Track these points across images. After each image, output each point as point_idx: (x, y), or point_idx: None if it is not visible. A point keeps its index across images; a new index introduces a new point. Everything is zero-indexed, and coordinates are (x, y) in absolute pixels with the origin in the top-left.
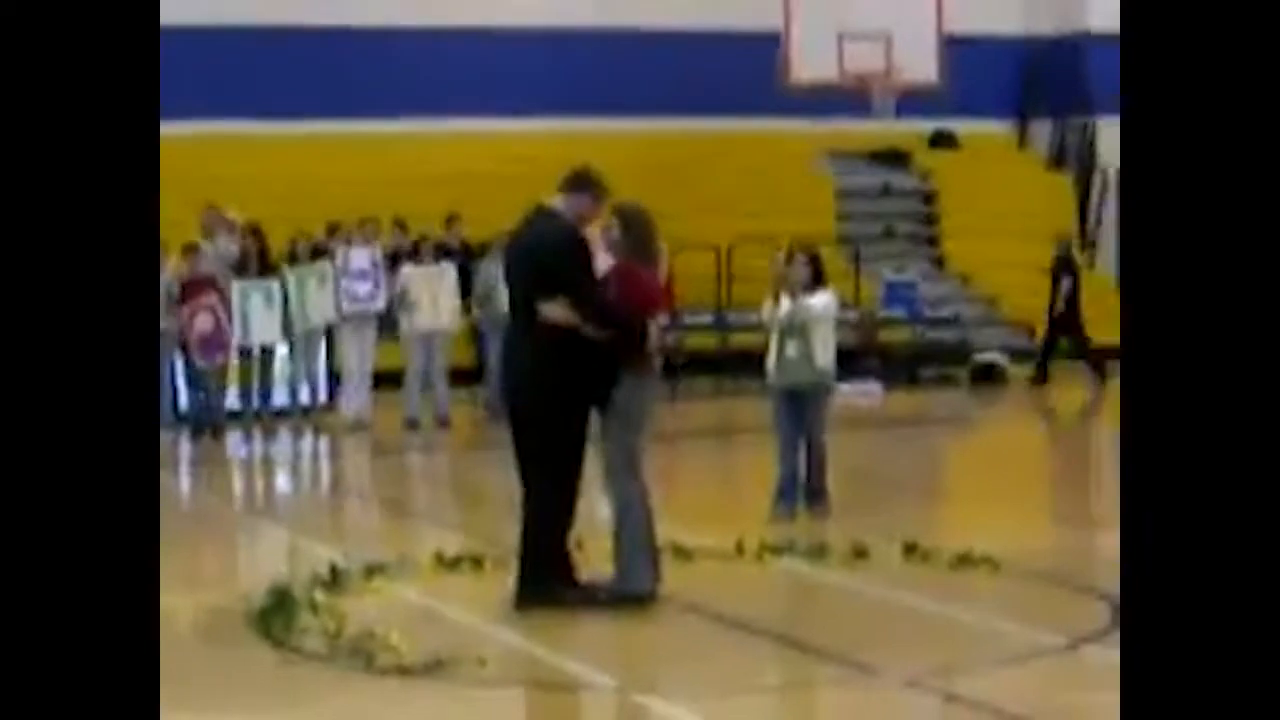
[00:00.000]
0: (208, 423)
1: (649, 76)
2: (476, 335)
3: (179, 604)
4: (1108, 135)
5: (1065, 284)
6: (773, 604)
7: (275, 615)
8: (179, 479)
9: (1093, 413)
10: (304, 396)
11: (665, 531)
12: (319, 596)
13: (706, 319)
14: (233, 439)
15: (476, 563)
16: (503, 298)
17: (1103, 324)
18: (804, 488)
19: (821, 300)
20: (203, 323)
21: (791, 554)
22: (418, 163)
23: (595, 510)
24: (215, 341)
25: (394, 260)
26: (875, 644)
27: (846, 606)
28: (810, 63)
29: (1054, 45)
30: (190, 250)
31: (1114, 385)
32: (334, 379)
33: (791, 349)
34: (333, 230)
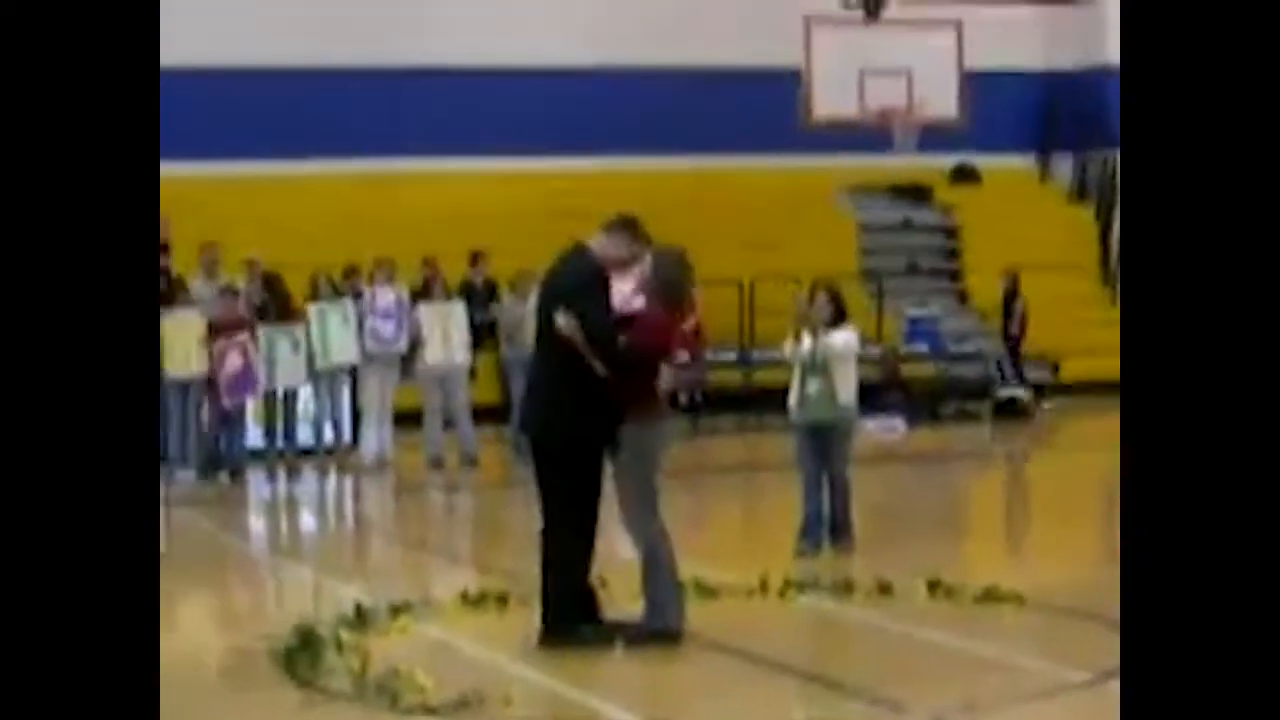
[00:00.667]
0: (227, 463)
1: (673, 114)
2: (502, 372)
3: (204, 644)
4: None
5: (1017, 309)
6: (797, 641)
7: (301, 655)
8: (201, 520)
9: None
10: (328, 436)
11: (689, 568)
12: (344, 636)
13: (730, 355)
14: (256, 478)
15: (501, 601)
16: (529, 334)
17: None
18: (828, 523)
19: (843, 337)
20: (233, 361)
21: (816, 590)
22: (445, 201)
23: (615, 548)
24: (244, 380)
25: (415, 299)
26: (901, 680)
27: (871, 643)
28: (832, 99)
29: (1074, 79)
30: (226, 292)
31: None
32: (356, 418)
33: (814, 386)
34: (350, 272)
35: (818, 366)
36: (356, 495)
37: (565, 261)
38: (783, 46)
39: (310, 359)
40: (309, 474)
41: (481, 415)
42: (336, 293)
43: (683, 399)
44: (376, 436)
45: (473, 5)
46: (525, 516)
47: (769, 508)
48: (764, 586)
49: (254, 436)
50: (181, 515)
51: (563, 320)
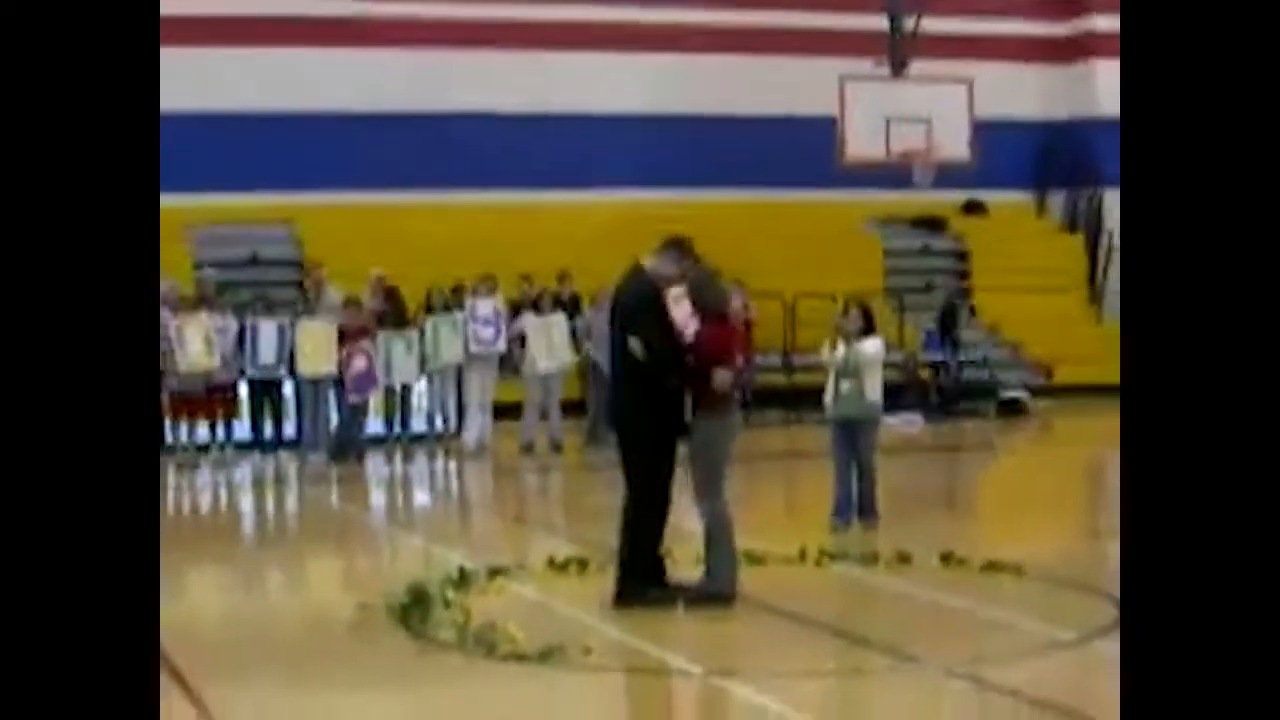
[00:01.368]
0: (352, 448)
1: (726, 155)
2: (584, 373)
3: (333, 601)
4: (1112, 203)
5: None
6: (830, 603)
7: (413, 610)
8: (330, 496)
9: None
10: (438, 425)
11: (740, 541)
12: (449, 594)
13: (775, 360)
14: (375, 461)
15: (582, 565)
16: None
17: (1108, 368)
18: (857, 503)
19: (872, 345)
20: (358, 363)
21: (846, 560)
22: (536, 227)
23: (682, 524)
24: (366, 379)
25: (515, 310)
26: (917, 637)
27: (893, 605)
28: (862, 143)
29: (1067, 128)
30: (351, 303)
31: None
32: (460, 410)
33: (846, 386)
34: (457, 288)
35: (850, 370)
36: (460, 475)
37: (626, 280)
38: (821, 98)
39: (423, 360)
40: (420, 457)
41: (565, 409)
42: (447, 306)
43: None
44: (477, 425)
45: (572, 60)
46: (602, 494)
47: (807, 490)
48: (803, 556)
49: (375, 425)
50: (313, 492)
51: (632, 344)
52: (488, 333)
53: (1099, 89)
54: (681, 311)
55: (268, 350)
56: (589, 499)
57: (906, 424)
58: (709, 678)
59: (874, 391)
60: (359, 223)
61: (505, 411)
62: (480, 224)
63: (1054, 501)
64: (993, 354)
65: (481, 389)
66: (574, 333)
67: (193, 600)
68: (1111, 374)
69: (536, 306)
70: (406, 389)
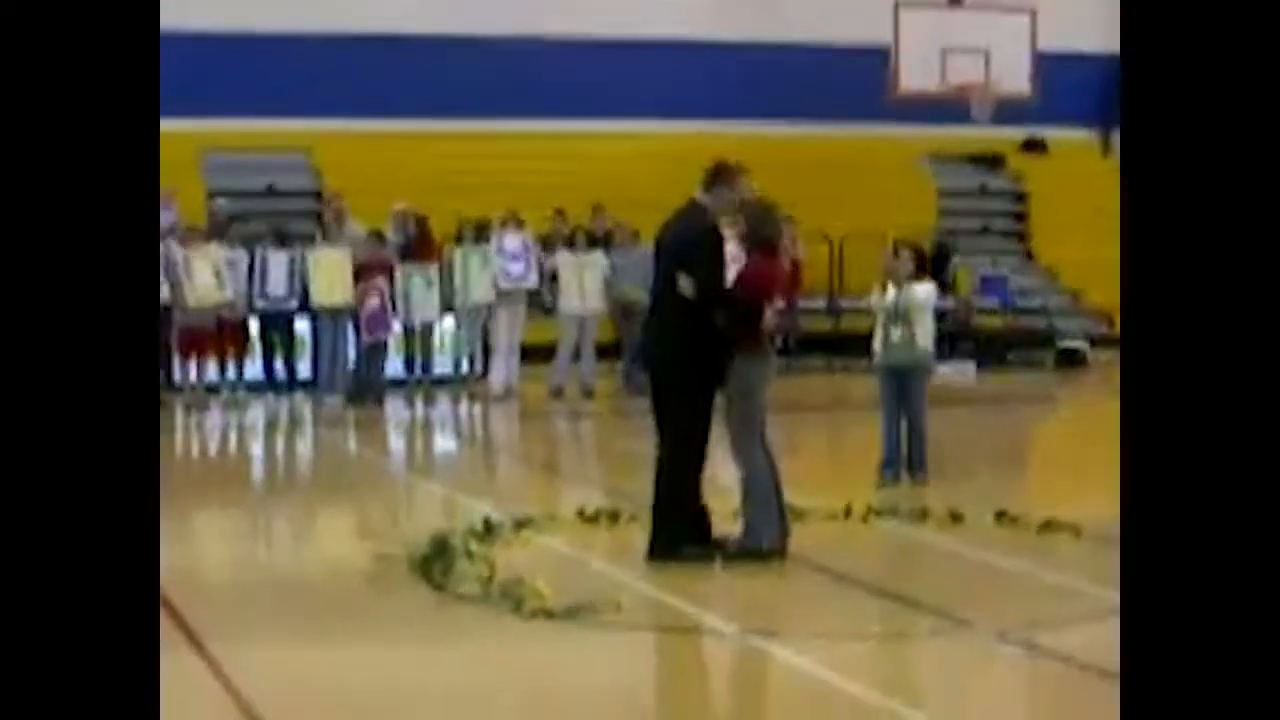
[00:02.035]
0: (370, 390)
1: (773, 85)
2: (616, 315)
3: (350, 551)
4: None
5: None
6: (877, 562)
7: (435, 562)
8: (348, 441)
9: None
10: (463, 367)
11: (786, 493)
12: (473, 546)
13: (821, 304)
14: (395, 404)
15: (613, 518)
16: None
17: None
18: (905, 458)
19: (924, 289)
20: (371, 302)
21: (894, 517)
22: (567, 159)
23: (718, 476)
24: (380, 320)
25: (547, 245)
26: (969, 600)
27: (943, 565)
28: (916, 75)
29: None
30: (373, 236)
31: None
32: (486, 352)
33: (896, 333)
34: (482, 224)
35: (900, 315)
36: (485, 420)
37: (680, 218)
38: (874, 27)
39: (447, 296)
40: (443, 401)
41: (598, 352)
42: (477, 239)
43: (777, 341)
44: (505, 368)
45: None
46: (635, 443)
47: (853, 442)
48: (848, 512)
49: (395, 366)
50: (329, 436)
51: (684, 282)
52: (516, 268)
53: None
54: (732, 249)
55: (278, 281)
56: (622, 446)
57: (959, 373)
58: (746, 637)
59: (925, 338)
60: (380, 152)
61: (535, 354)
62: (509, 155)
63: (1113, 458)
64: (1051, 301)
65: (510, 329)
66: (612, 271)
67: (200, 550)
68: None
69: (571, 243)
70: (428, 328)
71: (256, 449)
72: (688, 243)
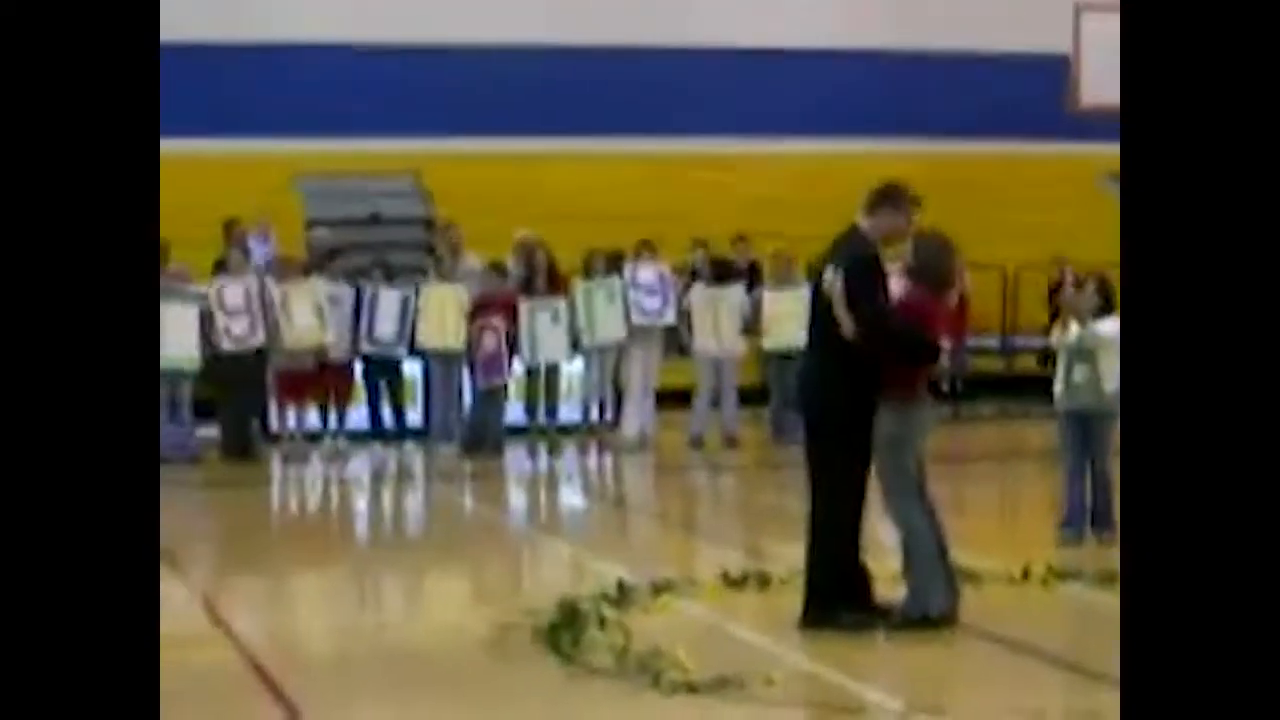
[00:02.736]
0: (487, 439)
1: (939, 97)
2: (765, 357)
3: (467, 618)
4: None
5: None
6: (1060, 630)
7: (563, 630)
8: (463, 495)
9: None
10: (592, 414)
11: (955, 552)
12: (606, 612)
13: (993, 342)
14: (516, 455)
15: (763, 581)
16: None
17: None
18: (1091, 513)
19: (1112, 326)
20: (488, 343)
21: (1079, 580)
22: (707, 183)
23: (879, 535)
24: (496, 363)
25: (689, 278)
26: None
27: None
28: (1100, 85)
29: None
30: (492, 269)
31: None
32: (618, 396)
33: (1079, 374)
34: (614, 255)
35: (1084, 355)
36: (617, 473)
37: (838, 243)
38: (1052, 32)
39: (575, 336)
40: (570, 451)
41: (743, 398)
42: (608, 271)
43: (944, 386)
44: (638, 414)
45: None
46: (785, 497)
47: (1031, 496)
48: (1026, 574)
49: (516, 413)
50: (441, 490)
51: (829, 275)
52: (653, 303)
53: None
54: (894, 281)
55: (386, 323)
56: (770, 502)
57: None
58: (912, 716)
59: (1113, 381)
60: (497, 174)
61: (672, 399)
62: (639, 179)
63: None
64: None
65: (644, 371)
66: (754, 309)
67: (299, 616)
68: None
69: (717, 276)
70: (554, 370)
71: (361, 504)
72: (847, 273)
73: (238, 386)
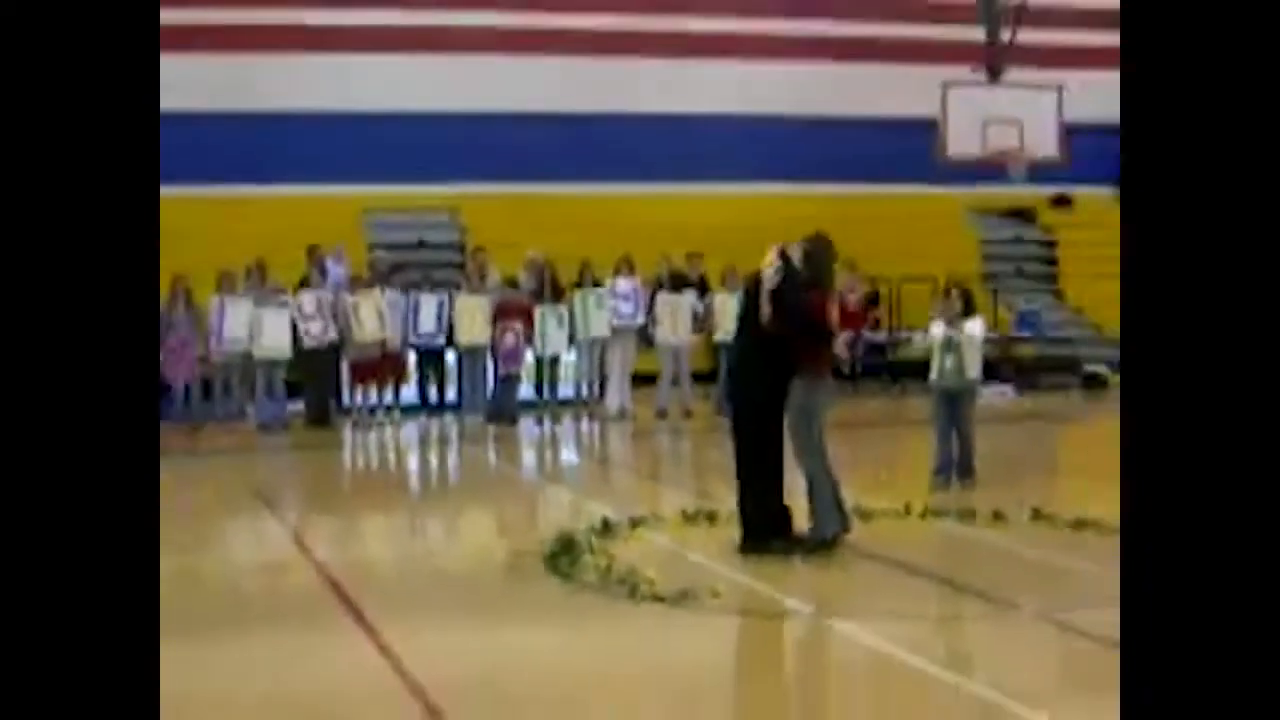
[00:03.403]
0: (505, 413)
1: (840, 152)
2: (714, 349)
3: (490, 547)
4: None
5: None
6: (933, 553)
7: (562, 555)
8: (488, 454)
9: None
10: (584, 392)
11: (850, 496)
12: (594, 542)
13: (882, 337)
14: (527, 423)
15: (711, 518)
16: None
17: None
18: (956, 466)
19: (975, 326)
20: (508, 340)
21: (946, 516)
22: (671, 216)
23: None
24: (513, 356)
25: (654, 288)
26: (1011, 586)
27: (989, 557)
28: (961, 142)
29: None
30: (509, 284)
31: None
32: (603, 379)
33: (948, 362)
34: (584, 267)
35: (952, 348)
36: (603, 437)
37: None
38: (924, 102)
39: (571, 333)
40: (568, 420)
41: (695, 379)
42: (595, 283)
43: (845, 369)
44: (618, 393)
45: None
46: (727, 455)
47: (911, 453)
48: (907, 511)
49: (528, 391)
50: (471, 450)
51: (773, 264)
52: (627, 308)
53: None
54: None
55: (428, 321)
56: (716, 458)
57: (1000, 395)
58: (822, 618)
59: (974, 368)
60: (514, 210)
61: (644, 381)
62: (617, 212)
63: None
64: (1077, 333)
65: (622, 360)
66: (705, 312)
67: (368, 546)
68: None
69: (674, 285)
70: (556, 359)
71: (411, 461)
72: (782, 281)
73: (317, 372)
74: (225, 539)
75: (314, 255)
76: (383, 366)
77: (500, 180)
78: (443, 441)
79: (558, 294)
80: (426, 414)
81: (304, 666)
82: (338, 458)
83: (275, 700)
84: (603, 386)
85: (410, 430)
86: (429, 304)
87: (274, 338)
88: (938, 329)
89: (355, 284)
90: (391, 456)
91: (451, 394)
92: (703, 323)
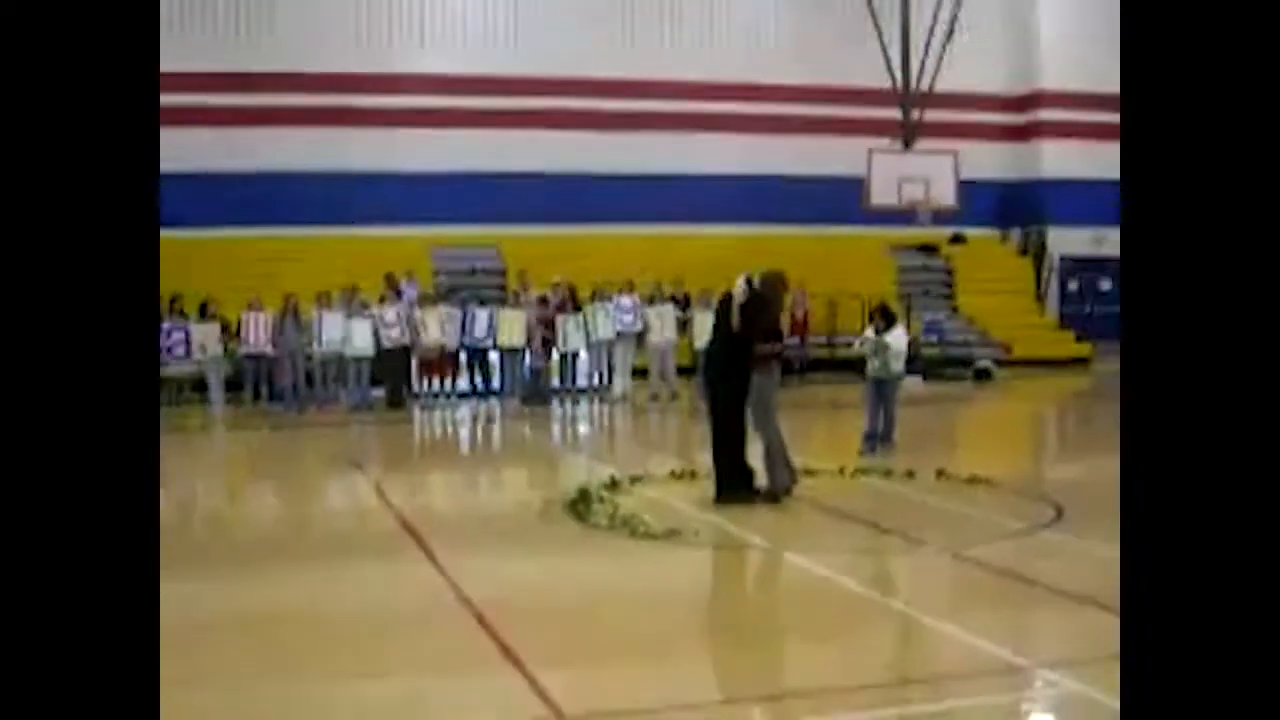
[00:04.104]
0: (537, 396)
1: (790, 202)
2: (692, 349)
3: (527, 497)
4: (1053, 237)
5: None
6: (861, 503)
7: (580, 504)
8: (524, 428)
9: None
10: (595, 381)
11: (797, 459)
12: (604, 494)
13: (823, 340)
14: (553, 405)
15: (692, 475)
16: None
17: (1051, 347)
18: (880, 436)
19: (898, 335)
20: (536, 341)
21: (871, 475)
22: (664, 250)
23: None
24: (542, 354)
25: (649, 303)
26: (921, 527)
27: (904, 505)
28: (881, 194)
29: (1020, 185)
30: (540, 300)
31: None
32: (609, 371)
33: (877, 360)
34: (599, 289)
35: (879, 349)
36: (609, 415)
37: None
38: (855, 164)
39: (586, 336)
40: (583, 403)
41: (680, 371)
42: (602, 298)
43: (795, 365)
44: (621, 382)
45: (692, 139)
46: (705, 429)
47: (843, 427)
48: (842, 471)
49: (553, 381)
50: (510, 426)
51: (741, 288)
52: (628, 318)
53: (1042, 159)
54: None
55: (480, 329)
56: (696, 431)
57: (912, 383)
58: (777, 551)
59: (897, 364)
60: (543, 246)
61: (641, 373)
62: (625, 247)
63: (1012, 437)
64: (970, 337)
65: (624, 357)
66: (686, 321)
67: (432, 495)
68: (1049, 351)
69: (672, 300)
70: (575, 355)
71: (465, 434)
72: (748, 300)
73: (393, 367)
74: (326, 491)
75: (391, 279)
76: (443, 363)
77: (533, 223)
78: (488, 419)
79: (576, 307)
80: (476, 398)
81: (383, 585)
82: (409, 431)
83: (360, 612)
84: (610, 377)
85: (464, 410)
86: (480, 315)
87: (361, 341)
88: (870, 334)
89: (423, 300)
90: (449, 430)
91: (494, 383)
92: (685, 330)
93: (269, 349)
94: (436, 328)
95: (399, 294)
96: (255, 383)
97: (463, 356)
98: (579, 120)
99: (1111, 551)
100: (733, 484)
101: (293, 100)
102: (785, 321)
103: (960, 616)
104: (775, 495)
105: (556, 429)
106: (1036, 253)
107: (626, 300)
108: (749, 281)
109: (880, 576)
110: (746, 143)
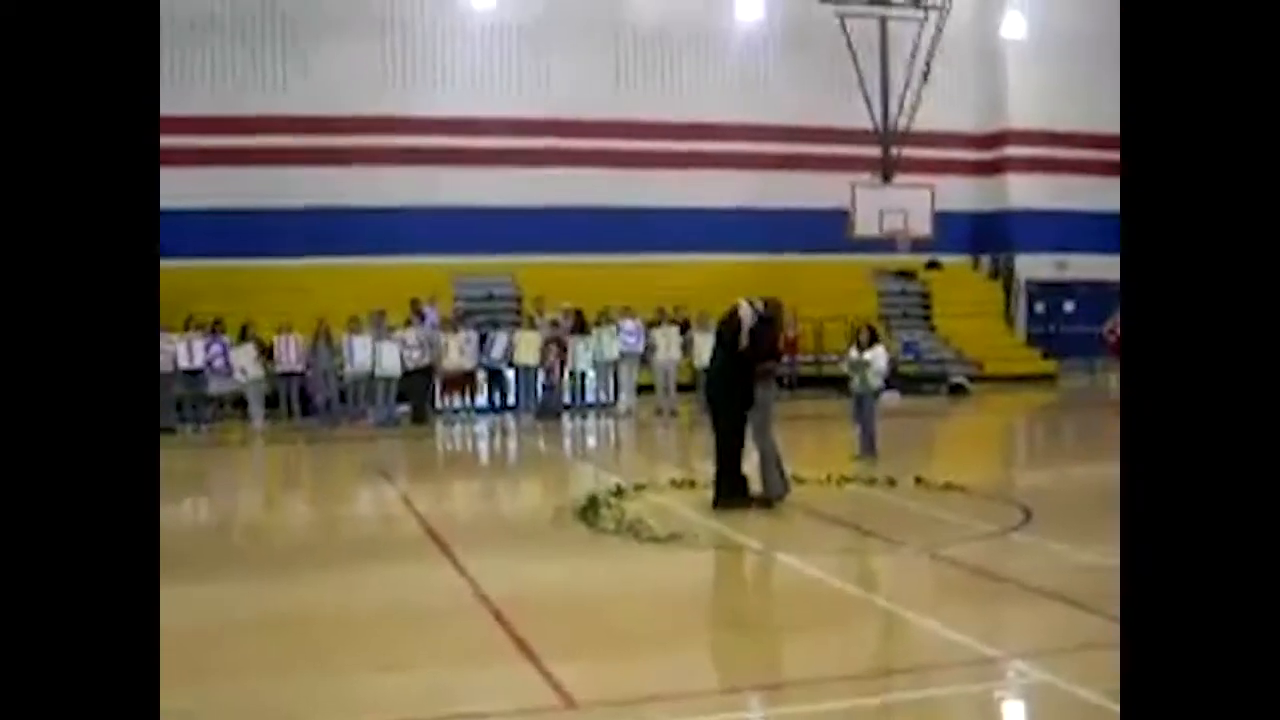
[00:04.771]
0: (549, 411)
1: (782, 233)
2: (692, 367)
3: (541, 503)
4: (1020, 262)
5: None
6: (846, 507)
7: (589, 510)
8: (537, 441)
9: (998, 409)
10: (602, 397)
11: (790, 468)
12: (611, 500)
13: (811, 358)
14: (565, 419)
15: (692, 484)
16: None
17: (1020, 364)
18: (863, 447)
19: (878, 353)
20: (551, 361)
21: (855, 482)
22: (665, 277)
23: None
24: (554, 372)
25: (651, 326)
26: (901, 529)
27: (885, 509)
28: (865, 225)
29: (990, 215)
30: (552, 323)
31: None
32: (615, 388)
33: (859, 377)
34: (603, 312)
35: (862, 366)
36: (616, 429)
37: (730, 311)
38: (839, 197)
39: (594, 356)
40: (592, 417)
41: (679, 388)
42: (608, 321)
43: (785, 381)
44: (626, 398)
45: (693, 174)
46: (703, 441)
47: (831, 438)
48: (829, 479)
49: (564, 397)
50: (525, 438)
51: (749, 312)
52: (632, 339)
53: (1010, 191)
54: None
55: (497, 350)
56: (695, 443)
57: (891, 398)
58: (770, 552)
59: (878, 380)
60: (555, 274)
61: (645, 389)
62: (630, 275)
63: (985, 447)
64: (945, 355)
65: (629, 375)
66: (687, 342)
67: (453, 503)
68: (1018, 368)
69: (659, 324)
70: (584, 374)
71: (483, 445)
72: (731, 324)
73: (418, 386)
74: (356, 499)
75: (415, 305)
76: (463, 381)
77: (545, 253)
78: (505, 432)
79: (585, 329)
80: (494, 414)
81: (408, 585)
82: (432, 444)
83: (387, 610)
84: (616, 394)
85: (482, 425)
86: (496, 338)
87: (388, 362)
88: (854, 353)
89: (445, 325)
90: (469, 443)
91: (511, 399)
92: (686, 351)
93: (299, 367)
94: (457, 350)
95: (422, 318)
96: (288, 398)
97: (481, 375)
98: (588, 159)
99: (1075, 551)
100: (730, 491)
101: (328, 141)
102: (783, 342)
103: (938, 611)
104: (769, 501)
105: (567, 442)
106: (1006, 277)
107: (630, 323)
108: (760, 306)
109: (865, 575)
110: (740, 178)
